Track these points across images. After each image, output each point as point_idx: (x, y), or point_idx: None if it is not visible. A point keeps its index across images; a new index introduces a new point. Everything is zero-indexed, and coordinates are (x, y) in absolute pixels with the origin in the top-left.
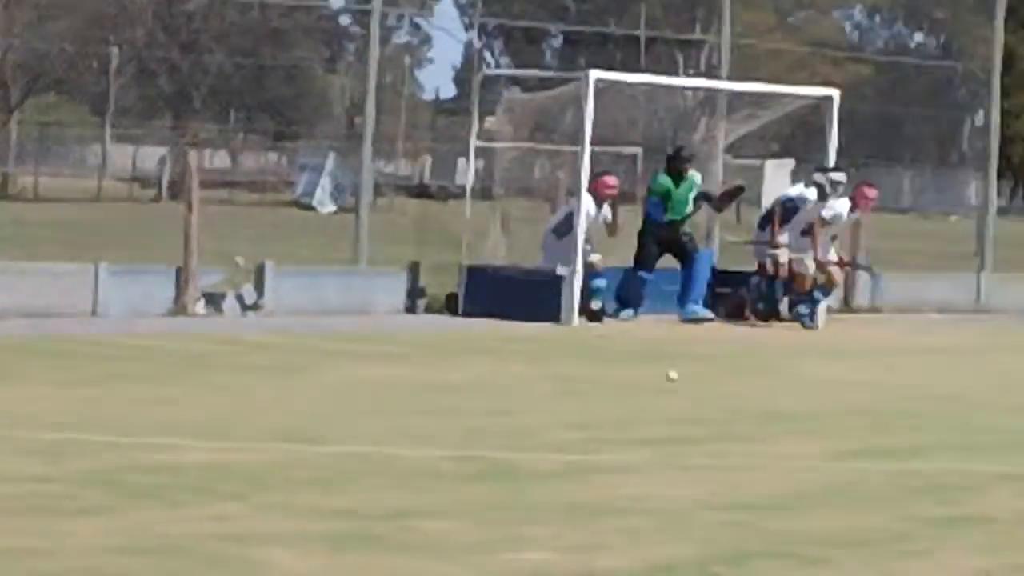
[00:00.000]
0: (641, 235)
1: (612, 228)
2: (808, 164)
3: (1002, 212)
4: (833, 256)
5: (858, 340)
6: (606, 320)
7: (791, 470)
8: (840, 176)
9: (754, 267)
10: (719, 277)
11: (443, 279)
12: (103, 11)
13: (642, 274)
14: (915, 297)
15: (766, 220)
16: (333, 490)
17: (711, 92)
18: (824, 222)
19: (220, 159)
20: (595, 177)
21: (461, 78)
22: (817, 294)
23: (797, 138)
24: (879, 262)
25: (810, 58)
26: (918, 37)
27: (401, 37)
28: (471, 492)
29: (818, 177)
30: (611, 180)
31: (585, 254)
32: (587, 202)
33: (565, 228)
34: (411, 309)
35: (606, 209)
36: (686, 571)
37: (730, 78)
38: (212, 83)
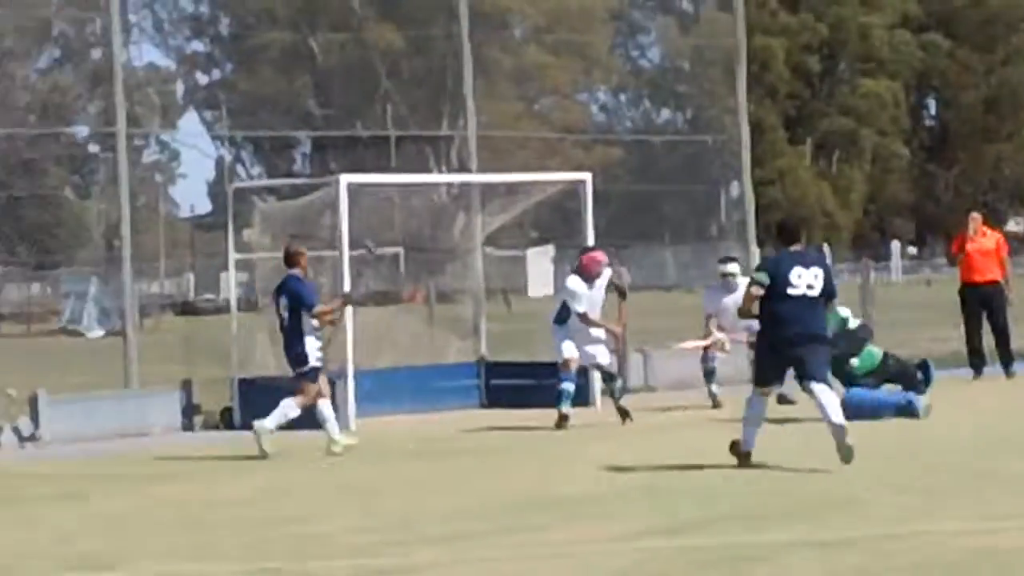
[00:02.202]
0: None
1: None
2: (568, 249)
3: None
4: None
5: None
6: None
7: (578, 556)
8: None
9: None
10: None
11: (217, 394)
12: None
13: None
14: (688, 374)
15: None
16: None
17: (465, 186)
18: None
19: None
20: (583, 253)
21: (215, 192)
22: None
23: (555, 223)
24: (649, 340)
25: (560, 143)
26: (665, 114)
27: (150, 156)
28: None
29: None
30: (599, 255)
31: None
32: (575, 284)
33: (565, 314)
34: (188, 426)
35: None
36: None
37: (481, 170)
38: None
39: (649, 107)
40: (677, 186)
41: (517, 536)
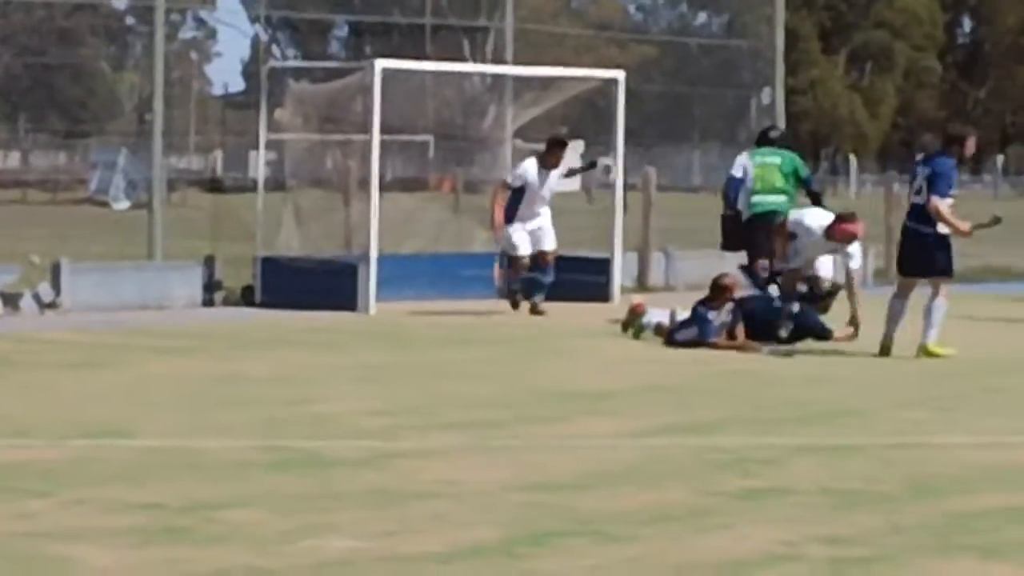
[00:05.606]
0: None
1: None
2: (597, 146)
3: None
4: None
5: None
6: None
7: (592, 449)
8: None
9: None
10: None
11: (239, 271)
12: None
13: None
14: (708, 274)
15: None
16: (138, 484)
17: (498, 78)
18: None
19: (11, 159)
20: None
21: (249, 71)
22: None
23: (586, 120)
24: (672, 241)
25: (595, 41)
26: (701, 17)
27: (187, 32)
28: (275, 482)
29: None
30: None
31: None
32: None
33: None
34: (208, 302)
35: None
36: (491, 553)
37: (516, 63)
38: (0, 84)
39: (686, 9)
40: (709, 89)
41: (533, 427)
